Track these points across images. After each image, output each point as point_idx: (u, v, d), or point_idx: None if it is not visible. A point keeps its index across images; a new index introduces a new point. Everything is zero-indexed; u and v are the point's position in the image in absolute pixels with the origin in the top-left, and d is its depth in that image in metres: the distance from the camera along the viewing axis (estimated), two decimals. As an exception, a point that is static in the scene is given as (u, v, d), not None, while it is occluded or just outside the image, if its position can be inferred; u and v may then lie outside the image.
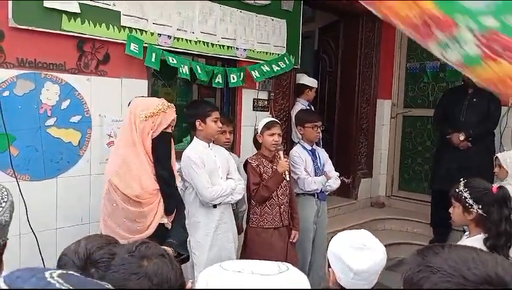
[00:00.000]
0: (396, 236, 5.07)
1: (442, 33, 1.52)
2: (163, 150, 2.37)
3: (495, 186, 2.01)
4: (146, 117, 2.27)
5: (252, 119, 4.00)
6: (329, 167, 3.67)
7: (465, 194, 2.00)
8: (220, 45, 3.67)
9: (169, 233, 2.41)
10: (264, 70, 3.91)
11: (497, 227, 1.90)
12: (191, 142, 3.01)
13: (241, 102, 3.96)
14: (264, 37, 3.99)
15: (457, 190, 2.06)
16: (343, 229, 1.78)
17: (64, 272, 0.70)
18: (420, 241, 4.70)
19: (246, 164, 3.23)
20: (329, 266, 1.63)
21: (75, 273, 0.73)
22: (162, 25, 3.26)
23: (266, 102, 4.17)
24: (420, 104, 5.54)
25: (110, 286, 0.73)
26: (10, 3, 2.56)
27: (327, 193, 3.67)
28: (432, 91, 5.41)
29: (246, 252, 3.18)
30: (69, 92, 2.85)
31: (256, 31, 3.93)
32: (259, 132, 3.24)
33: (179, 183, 2.81)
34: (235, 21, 3.76)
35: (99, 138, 3.00)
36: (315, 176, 3.52)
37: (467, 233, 2.13)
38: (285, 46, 4.18)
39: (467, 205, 2.00)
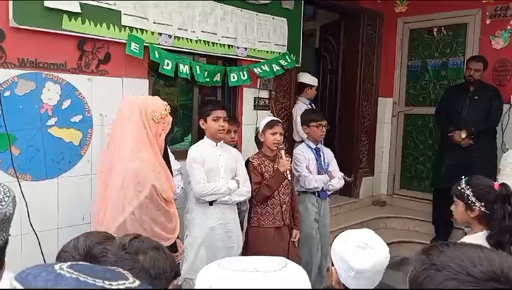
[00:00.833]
0: (398, 234, 5.06)
1: None
2: (166, 150, 2.46)
3: (497, 183, 2.01)
4: (159, 119, 2.31)
5: (253, 118, 4.00)
6: (333, 166, 3.68)
7: (467, 192, 2.00)
8: (220, 44, 3.66)
9: None
10: (265, 70, 3.91)
11: (500, 224, 1.90)
12: (191, 141, 3.03)
13: (242, 101, 3.96)
14: (264, 36, 3.99)
15: (459, 187, 2.06)
16: (345, 228, 1.79)
17: (73, 263, 0.71)
18: (422, 240, 4.70)
19: (248, 163, 3.23)
20: (332, 265, 1.62)
21: (84, 263, 0.74)
22: (163, 24, 3.26)
23: (267, 101, 4.17)
24: (422, 102, 5.53)
25: (120, 270, 0.74)
26: (11, 3, 2.55)
27: (330, 193, 3.66)
28: (433, 89, 5.40)
29: (247, 251, 3.18)
30: (70, 91, 2.85)
31: (257, 30, 3.92)
32: (260, 131, 3.24)
33: (178, 182, 2.86)
34: (236, 20, 3.75)
35: (100, 137, 3.00)
36: (318, 174, 3.52)
37: (467, 235, 2.13)
38: (286, 44, 4.18)
39: (469, 202, 1.99)
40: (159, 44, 3.23)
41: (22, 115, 2.65)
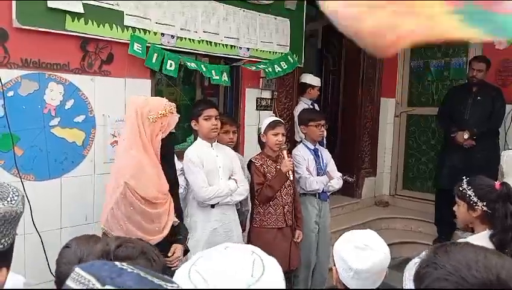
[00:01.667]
0: (401, 235, 5.06)
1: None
2: (169, 150, 2.42)
3: (498, 183, 2.02)
4: (155, 119, 2.28)
5: (255, 119, 4.00)
6: (331, 167, 3.65)
7: (469, 192, 2.01)
8: (223, 44, 3.66)
9: (175, 230, 2.45)
10: (268, 71, 3.91)
11: (502, 223, 1.92)
12: (194, 141, 3.01)
13: (244, 101, 3.96)
14: (267, 36, 3.99)
15: (460, 188, 2.07)
16: (347, 229, 1.80)
17: (130, 262, 0.77)
18: (424, 241, 4.69)
19: (250, 164, 3.23)
20: (334, 264, 1.64)
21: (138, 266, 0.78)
22: (165, 24, 3.26)
23: (269, 101, 4.17)
24: (424, 102, 5.52)
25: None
26: (14, 3, 2.56)
27: (329, 193, 3.65)
28: (436, 89, 5.39)
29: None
30: (72, 92, 2.86)
31: (259, 30, 3.92)
32: (262, 132, 3.23)
33: (182, 182, 2.84)
34: (238, 20, 3.76)
35: (103, 137, 3.01)
36: (317, 175, 3.51)
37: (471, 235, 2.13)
38: (288, 45, 4.18)
39: (471, 202, 2.01)
40: (161, 44, 3.24)
41: (25, 115, 2.66)
